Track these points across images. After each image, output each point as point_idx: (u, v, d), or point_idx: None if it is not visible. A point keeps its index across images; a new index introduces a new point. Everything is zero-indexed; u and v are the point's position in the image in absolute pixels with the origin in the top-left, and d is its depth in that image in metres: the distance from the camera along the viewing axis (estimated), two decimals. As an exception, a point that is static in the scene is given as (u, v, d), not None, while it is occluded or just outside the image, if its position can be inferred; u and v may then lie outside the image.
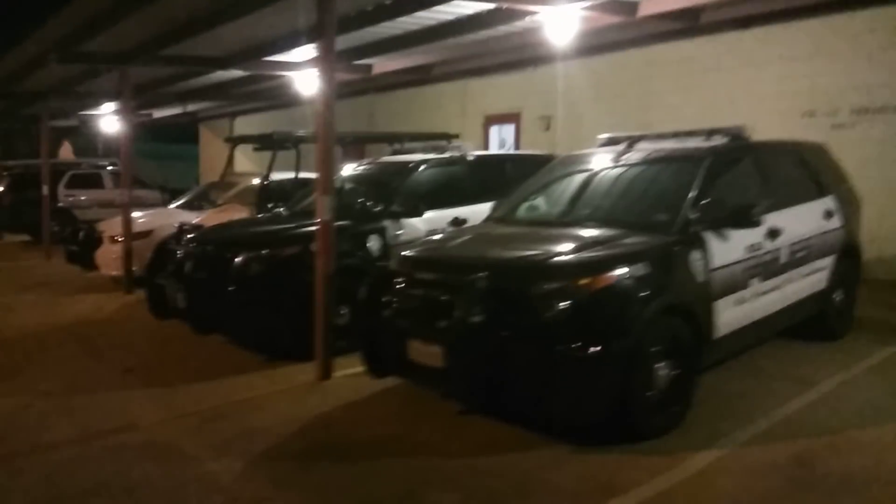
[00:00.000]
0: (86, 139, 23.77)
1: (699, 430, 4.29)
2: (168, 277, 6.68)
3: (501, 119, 13.24)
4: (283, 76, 11.08)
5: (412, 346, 4.35)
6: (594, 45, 8.73)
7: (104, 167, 16.98)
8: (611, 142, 5.95)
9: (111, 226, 9.96)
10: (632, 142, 5.67)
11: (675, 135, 5.72)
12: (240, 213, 8.93)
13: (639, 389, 4.01)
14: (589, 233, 4.69)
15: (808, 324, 5.86)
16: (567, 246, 4.41)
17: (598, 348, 3.81)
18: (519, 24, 8.22)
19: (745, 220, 4.69)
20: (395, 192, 6.86)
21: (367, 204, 6.77)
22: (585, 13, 7.02)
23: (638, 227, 4.64)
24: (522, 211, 5.72)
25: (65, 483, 3.89)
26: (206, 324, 6.35)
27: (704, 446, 4.07)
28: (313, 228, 5.98)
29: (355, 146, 13.57)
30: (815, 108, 8.91)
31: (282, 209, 7.80)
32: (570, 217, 5.15)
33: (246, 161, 15.46)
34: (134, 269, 9.22)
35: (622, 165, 5.46)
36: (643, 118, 9.99)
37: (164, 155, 26.55)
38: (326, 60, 5.37)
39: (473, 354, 3.97)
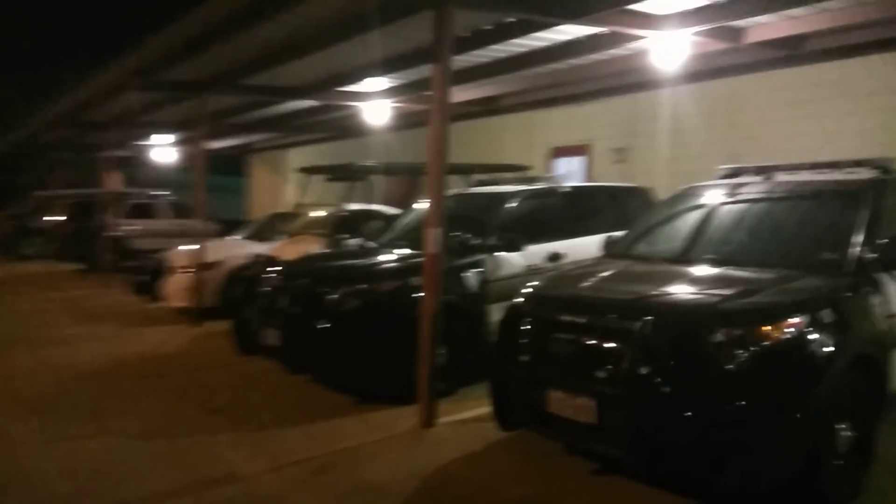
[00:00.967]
0: (134, 169, 24.00)
1: (882, 498, 3.75)
2: (256, 312, 6.29)
3: (570, 151, 12.83)
4: (352, 106, 10.91)
5: (552, 397, 3.89)
6: (696, 71, 8.30)
7: (160, 197, 16.99)
8: (735, 173, 5.49)
9: (179, 256, 9.71)
10: (767, 173, 5.20)
11: (814, 166, 5.23)
12: (314, 245, 8.60)
13: (827, 452, 3.49)
14: (745, 274, 4.18)
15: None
16: (731, 289, 3.91)
17: (792, 403, 3.31)
18: (609, 52, 7.85)
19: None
20: (489, 225, 6.46)
21: (463, 237, 6.38)
22: (695, 38, 6.63)
23: (800, 267, 4.12)
24: (648, 246, 5.24)
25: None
26: (300, 362, 5.90)
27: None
28: (413, 262, 5.63)
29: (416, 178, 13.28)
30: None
31: (370, 242, 7.43)
32: (710, 255, 4.61)
33: (296, 191, 15.24)
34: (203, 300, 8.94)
35: (759, 198, 4.98)
36: (729, 150, 9.49)
37: (212, 187, 26.64)
38: (442, 87, 5.01)
39: (636, 410, 3.50)
